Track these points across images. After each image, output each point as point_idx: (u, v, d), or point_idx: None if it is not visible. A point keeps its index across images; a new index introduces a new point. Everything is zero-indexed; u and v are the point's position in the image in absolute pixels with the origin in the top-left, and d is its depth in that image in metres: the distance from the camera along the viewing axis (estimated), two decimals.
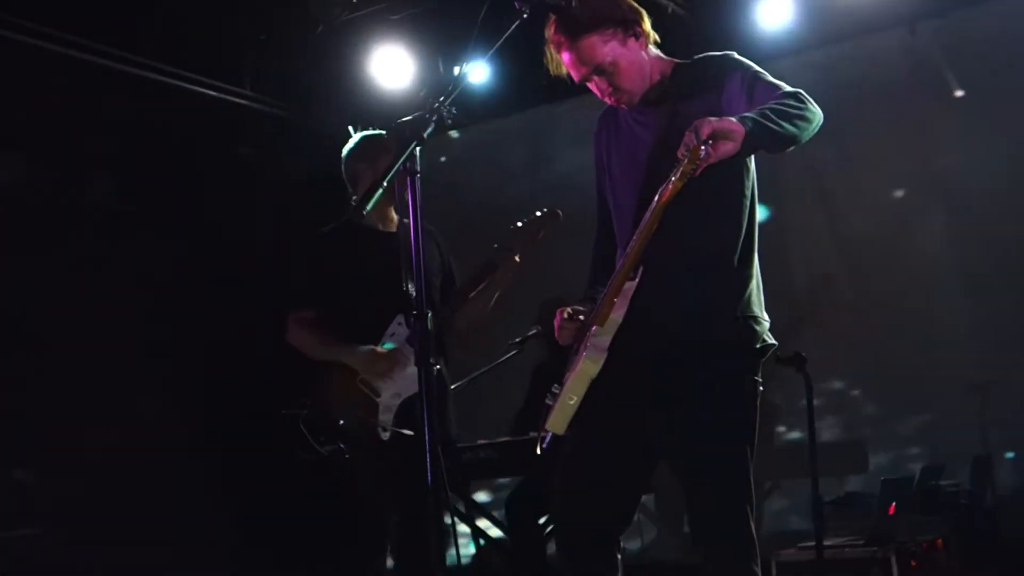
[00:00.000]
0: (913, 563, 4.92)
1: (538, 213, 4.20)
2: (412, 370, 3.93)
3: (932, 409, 6.44)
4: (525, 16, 2.96)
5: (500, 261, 4.06)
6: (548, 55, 3.12)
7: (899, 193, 6.82)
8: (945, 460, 5.78)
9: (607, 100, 3.16)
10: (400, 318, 4.08)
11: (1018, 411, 6.18)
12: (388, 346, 4.11)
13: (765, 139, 2.77)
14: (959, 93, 6.51)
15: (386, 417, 4.04)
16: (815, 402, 4.70)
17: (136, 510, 6.11)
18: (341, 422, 4.06)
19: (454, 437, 4.34)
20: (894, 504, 5.07)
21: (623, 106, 3.15)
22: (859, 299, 6.72)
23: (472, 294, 4.14)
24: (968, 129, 6.52)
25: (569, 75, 3.13)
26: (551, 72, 3.15)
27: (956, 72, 6.52)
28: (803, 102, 2.85)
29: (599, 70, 3.06)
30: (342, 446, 4.05)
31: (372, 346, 4.10)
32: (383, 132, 4.33)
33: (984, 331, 6.33)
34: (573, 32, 3.04)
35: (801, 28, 6.56)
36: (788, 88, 2.91)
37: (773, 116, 2.76)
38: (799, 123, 2.81)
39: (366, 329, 4.11)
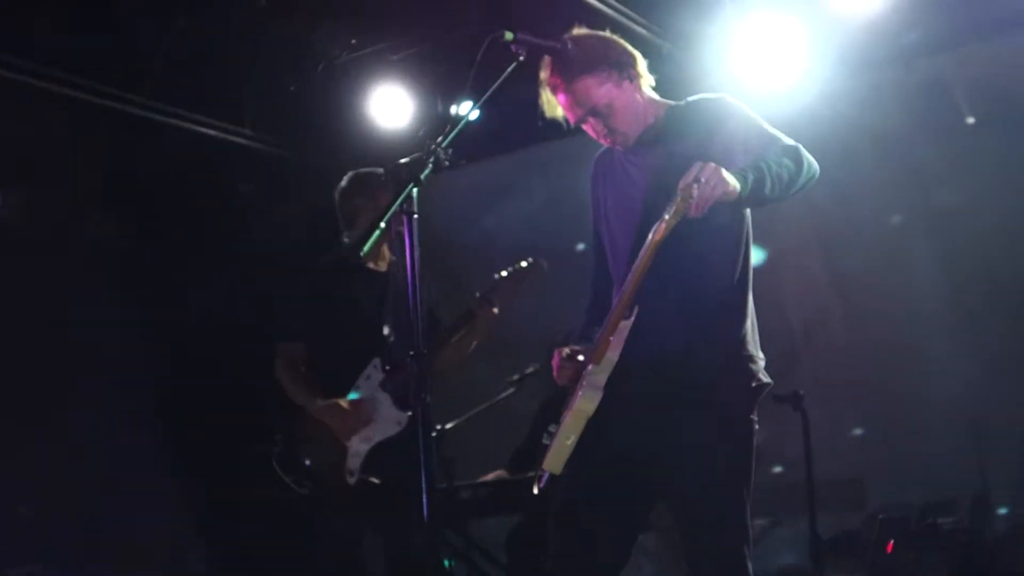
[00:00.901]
0: None
1: (522, 264, 4.21)
2: (383, 415, 3.99)
3: (930, 446, 6.42)
4: (521, 58, 3.00)
5: (479, 311, 4.06)
6: (543, 97, 3.15)
7: (894, 230, 6.83)
8: (943, 498, 5.77)
9: (603, 141, 3.18)
10: (376, 362, 4.10)
11: (1015, 447, 6.18)
12: (354, 396, 4.12)
13: (758, 199, 2.84)
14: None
15: (354, 462, 4.05)
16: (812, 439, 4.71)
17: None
18: (307, 463, 4.08)
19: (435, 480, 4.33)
20: (892, 542, 5.06)
21: (618, 147, 3.17)
22: (854, 336, 6.72)
23: (451, 340, 4.15)
24: (962, 166, 6.55)
25: (565, 117, 3.16)
26: (547, 114, 3.17)
27: (950, 110, 6.56)
28: (800, 160, 2.88)
29: (594, 112, 3.09)
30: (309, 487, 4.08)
31: (336, 401, 4.12)
32: (380, 169, 4.34)
33: (980, 367, 6.32)
34: (568, 74, 3.07)
35: (794, 66, 6.58)
36: (786, 141, 2.94)
37: (769, 175, 2.80)
38: (794, 181, 2.87)
39: (347, 371, 4.15)
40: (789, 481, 6.33)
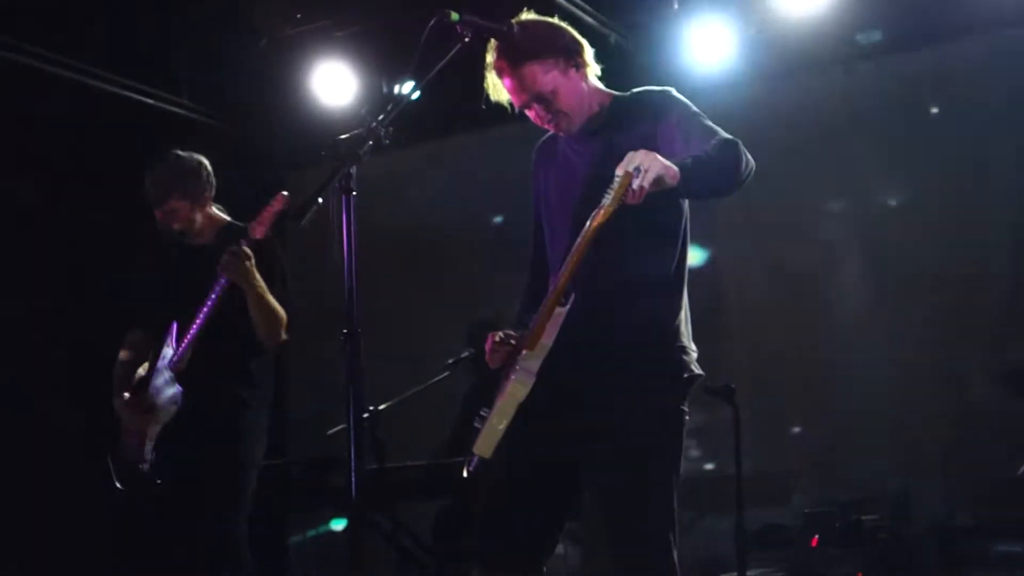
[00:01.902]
0: None
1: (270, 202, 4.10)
2: (163, 397, 3.96)
3: (855, 444, 6.52)
4: (467, 40, 2.98)
5: (226, 264, 3.91)
6: (489, 80, 3.14)
7: (830, 229, 6.91)
8: (867, 495, 5.86)
9: (546, 127, 3.18)
10: (169, 339, 4.06)
11: (937, 447, 6.29)
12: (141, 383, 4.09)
13: (696, 189, 2.87)
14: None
15: (148, 447, 4.02)
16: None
17: None
18: (108, 457, 4.09)
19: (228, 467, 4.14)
20: (816, 537, 5.13)
21: (561, 133, 3.18)
22: (787, 333, 6.80)
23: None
24: (899, 168, 6.65)
25: (509, 101, 3.15)
26: (491, 97, 3.17)
27: (889, 114, 6.65)
28: (739, 154, 2.90)
29: (539, 98, 3.08)
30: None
31: (122, 397, 4.12)
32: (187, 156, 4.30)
33: (907, 368, 6.43)
34: (515, 59, 3.06)
35: (739, 63, 6.67)
36: (725, 136, 2.95)
37: (707, 167, 2.82)
38: (732, 175, 2.89)
39: (157, 349, 4.12)
40: (717, 474, 6.41)
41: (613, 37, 6.50)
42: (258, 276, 3.97)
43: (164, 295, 4.17)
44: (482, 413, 2.99)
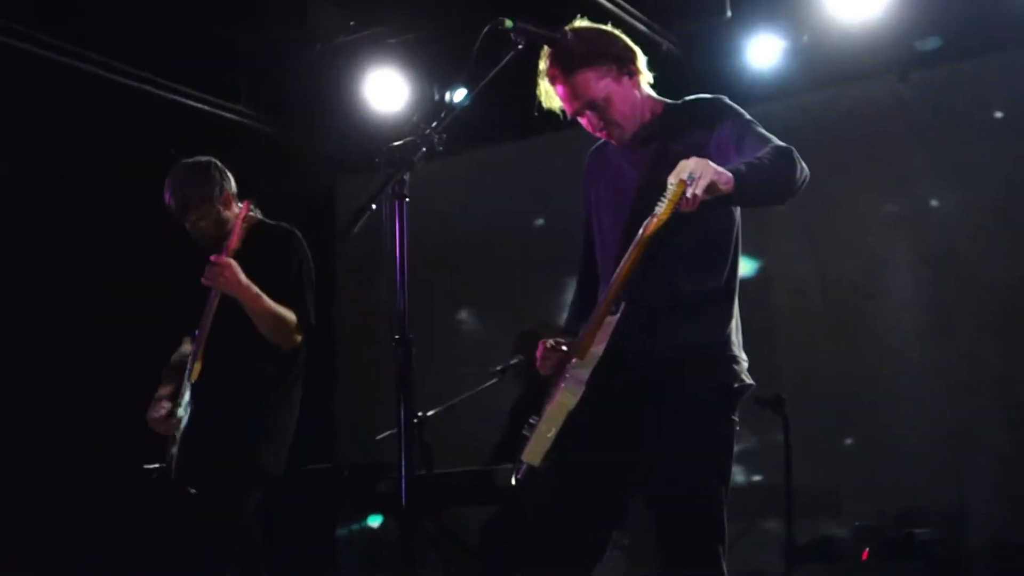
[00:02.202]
0: None
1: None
2: (180, 406, 3.93)
3: (907, 454, 6.45)
4: (520, 47, 2.98)
5: (207, 277, 3.84)
6: (541, 88, 3.14)
7: (881, 238, 6.85)
8: (921, 508, 5.79)
9: (598, 135, 3.18)
10: (188, 342, 4.03)
11: (992, 459, 6.21)
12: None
13: (750, 197, 2.85)
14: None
15: (172, 451, 3.98)
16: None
17: None
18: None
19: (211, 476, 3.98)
20: (867, 550, 5.07)
21: (614, 141, 3.17)
22: (838, 343, 6.74)
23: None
24: (953, 178, 6.58)
25: (561, 108, 3.15)
26: (543, 104, 3.16)
27: (943, 122, 6.57)
28: (793, 162, 2.87)
29: (592, 105, 3.08)
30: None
31: (154, 404, 4.08)
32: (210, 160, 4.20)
33: (959, 377, 6.36)
34: (568, 66, 3.06)
35: (792, 71, 6.63)
36: (779, 143, 2.93)
37: (761, 175, 2.79)
38: (787, 182, 2.86)
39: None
40: (767, 484, 6.35)
41: (665, 45, 6.48)
42: (242, 282, 3.83)
43: (193, 303, 4.08)
44: (531, 421, 2.98)
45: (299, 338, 4.06)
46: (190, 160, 4.17)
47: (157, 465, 3.99)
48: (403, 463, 2.67)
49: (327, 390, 8.32)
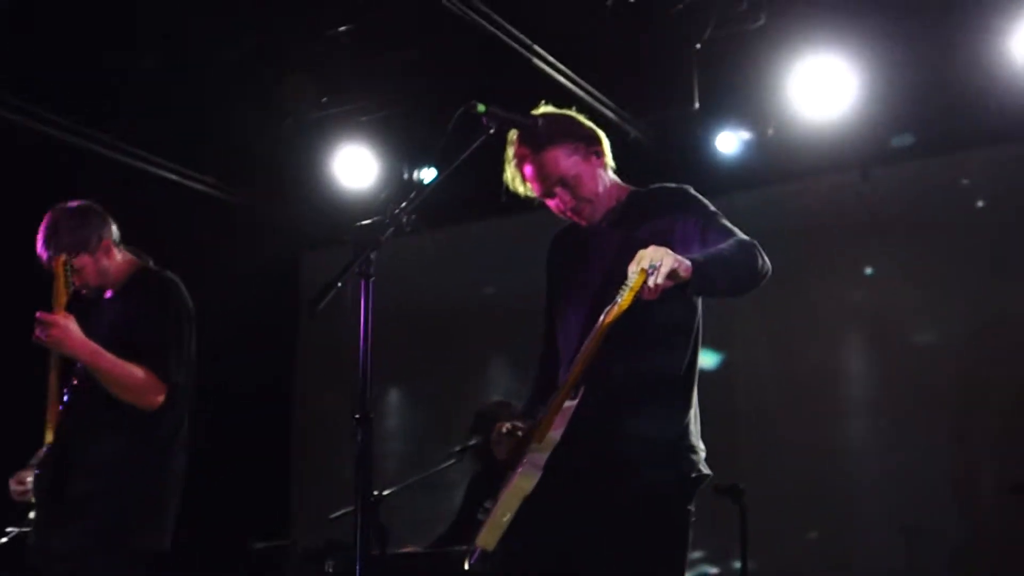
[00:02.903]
0: None
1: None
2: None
3: (865, 549, 6.45)
4: (491, 131, 3.01)
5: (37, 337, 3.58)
6: (508, 172, 3.16)
7: (843, 332, 6.90)
8: None
9: (568, 215, 3.19)
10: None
11: (945, 556, 6.21)
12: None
13: (709, 288, 2.85)
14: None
15: (30, 516, 3.75)
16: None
17: None
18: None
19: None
20: None
21: (583, 222, 3.18)
22: (800, 435, 6.76)
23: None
24: (916, 275, 6.65)
25: (529, 191, 3.17)
26: (510, 188, 3.18)
27: (905, 219, 6.67)
28: (754, 255, 2.89)
29: (562, 182, 3.10)
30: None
31: (14, 483, 3.84)
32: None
33: (917, 473, 6.39)
34: (537, 145, 3.09)
35: (756, 163, 6.73)
36: (742, 236, 2.95)
37: (722, 266, 2.81)
38: (747, 276, 2.88)
39: None
40: (722, 570, 6.32)
41: (633, 133, 6.56)
42: (76, 338, 3.53)
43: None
44: (486, 505, 2.95)
45: (160, 398, 3.64)
46: (68, 205, 3.83)
47: (15, 530, 3.82)
48: (359, 542, 2.64)
49: (283, 466, 8.24)
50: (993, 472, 6.21)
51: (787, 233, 6.89)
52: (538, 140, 3.09)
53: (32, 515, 3.71)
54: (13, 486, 3.78)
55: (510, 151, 3.14)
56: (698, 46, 5.91)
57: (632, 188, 3.23)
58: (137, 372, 3.60)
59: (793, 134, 6.53)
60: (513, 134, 3.13)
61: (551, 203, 3.17)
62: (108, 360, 3.56)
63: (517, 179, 3.15)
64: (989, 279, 6.40)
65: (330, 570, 5.31)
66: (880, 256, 6.75)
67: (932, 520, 6.24)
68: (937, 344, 6.52)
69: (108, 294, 3.83)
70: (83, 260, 3.75)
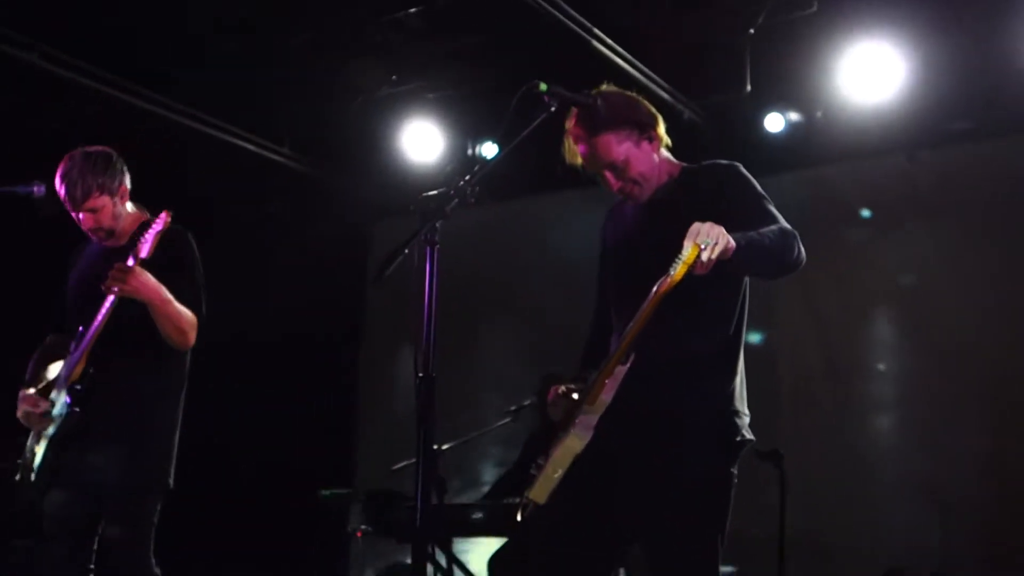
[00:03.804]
0: None
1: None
2: (57, 407, 3.66)
3: (897, 516, 6.41)
4: (553, 109, 3.01)
5: (111, 282, 3.56)
6: (566, 145, 3.16)
7: (883, 310, 6.83)
8: (906, 567, 5.72)
9: (618, 194, 3.19)
10: (73, 346, 3.72)
11: (976, 523, 6.16)
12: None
13: (747, 266, 2.89)
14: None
15: (35, 448, 3.73)
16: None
17: None
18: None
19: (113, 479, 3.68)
20: None
21: (633, 200, 3.18)
22: (837, 407, 6.72)
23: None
24: (956, 254, 6.56)
25: (582, 166, 3.17)
26: (567, 161, 3.18)
27: (949, 202, 6.58)
28: (792, 245, 2.90)
29: (611, 166, 3.10)
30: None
31: (23, 398, 3.78)
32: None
33: (949, 445, 6.32)
34: (592, 128, 3.08)
35: (804, 145, 6.67)
36: (785, 224, 2.95)
37: (762, 248, 2.82)
38: (783, 261, 2.89)
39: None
40: (761, 534, 6.30)
41: (687, 114, 6.52)
42: (153, 286, 3.59)
43: (77, 300, 3.84)
44: (539, 461, 2.97)
45: (194, 337, 3.76)
46: (90, 149, 3.77)
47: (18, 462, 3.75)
48: (419, 492, 2.66)
49: (350, 420, 8.34)
50: (1010, 444, 6.12)
51: (833, 214, 6.85)
52: (594, 123, 3.06)
53: (38, 448, 3.71)
54: (26, 407, 3.76)
55: (568, 125, 3.13)
56: (752, 32, 5.85)
57: (684, 165, 3.21)
58: (189, 314, 3.71)
59: (842, 117, 6.46)
60: (573, 110, 3.12)
61: (603, 179, 3.17)
62: (174, 305, 3.65)
63: (573, 152, 3.15)
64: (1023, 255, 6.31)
65: (395, 517, 5.38)
66: (924, 238, 6.66)
67: (964, 495, 6.19)
68: (975, 325, 6.41)
69: (114, 245, 3.81)
70: (103, 201, 3.73)
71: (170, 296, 3.65)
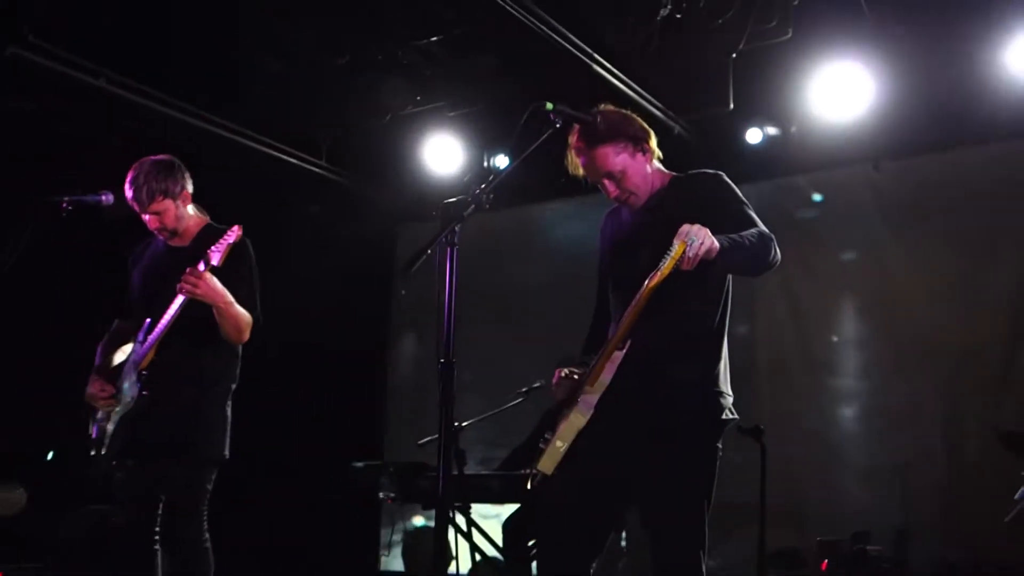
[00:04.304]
0: None
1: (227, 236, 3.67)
2: (125, 390, 3.68)
3: (864, 483, 6.40)
4: (558, 126, 3.02)
5: (184, 286, 3.56)
6: (569, 158, 3.16)
7: (852, 301, 6.82)
8: (873, 529, 5.72)
9: (615, 200, 3.19)
10: (141, 336, 3.73)
11: (934, 492, 6.15)
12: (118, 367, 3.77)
13: (730, 265, 2.89)
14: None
15: (107, 427, 3.73)
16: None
17: None
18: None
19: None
20: (826, 561, 5.02)
21: (629, 207, 3.18)
22: (810, 387, 6.71)
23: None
24: (916, 253, 6.55)
25: (584, 176, 3.17)
26: (570, 172, 3.18)
27: (909, 206, 6.57)
28: (770, 248, 2.91)
29: (609, 175, 3.10)
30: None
31: (93, 381, 3.78)
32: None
33: (910, 417, 6.33)
34: (591, 141, 3.07)
35: (781, 156, 6.67)
36: (763, 228, 2.95)
37: (743, 249, 2.83)
38: (760, 262, 2.90)
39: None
40: (744, 502, 6.31)
41: (677, 129, 6.51)
42: (220, 291, 3.59)
43: (143, 293, 3.84)
44: (546, 436, 2.97)
45: (248, 335, 3.76)
46: (155, 157, 3.78)
47: (91, 438, 3.75)
48: (441, 464, 2.67)
49: (380, 400, 8.36)
50: (978, 423, 6.11)
51: (807, 217, 6.84)
52: (594, 137, 3.06)
53: (108, 426, 3.72)
54: (94, 390, 3.77)
55: (571, 139, 3.13)
56: (734, 56, 5.84)
57: (673, 174, 3.21)
58: (247, 315, 3.71)
59: (814, 131, 6.45)
60: (575, 126, 3.12)
61: (603, 188, 3.16)
62: (235, 308, 3.65)
63: (575, 164, 3.15)
64: (980, 256, 6.29)
65: (421, 486, 5.38)
66: (887, 237, 6.65)
67: (921, 460, 6.19)
68: (932, 311, 6.41)
69: (178, 244, 3.83)
70: (166, 204, 3.72)
71: (232, 299, 3.65)
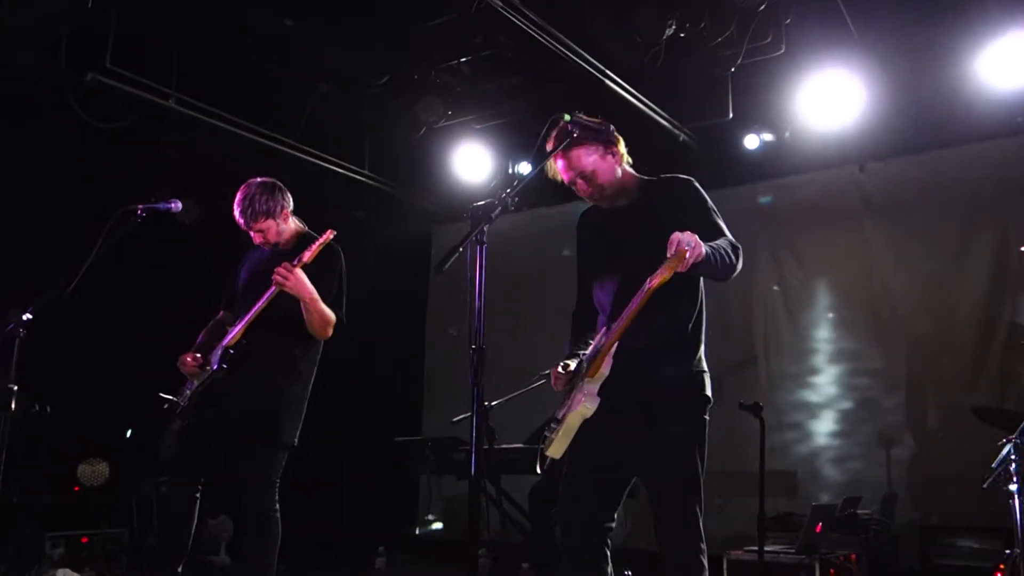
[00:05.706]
0: (832, 571, 4.81)
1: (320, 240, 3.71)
2: (211, 363, 3.69)
3: (854, 452, 6.35)
4: (575, 135, 3.01)
5: (276, 278, 3.60)
6: (547, 165, 3.11)
7: (840, 292, 6.74)
8: (862, 494, 5.66)
9: (589, 199, 3.17)
10: (237, 321, 3.76)
11: (916, 460, 6.08)
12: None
13: (703, 271, 2.91)
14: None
15: (187, 391, 3.76)
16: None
17: None
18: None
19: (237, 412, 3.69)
20: (820, 524, 4.97)
21: (602, 205, 3.16)
22: (805, 370, 6.65)
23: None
24: (897, 247, 6.47)
25: (560, 178, 3.13)
26: (549, 175, 3.15)
27: (892, 204, 6.49)
28: (738, 256, 2.95)
29: (582, 175, 3.08)
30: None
31: (188, 357, 3.80)
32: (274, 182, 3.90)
33: (893, 394, 6.27)
34: (566, 145, 3.05)
35: (776, 159, 6.61)
36: (730, 237, 2.98)
37: (720, 259, 2.86)
38: (729, 269, 2.92)
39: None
40: (745, 470, 6.27)
41: (682, 136, 6.46)
42: (307, 286, 3.61)
43: (245, 288, 3.87)
44: (552, 424, 2.98)
45: (331, 332, 3.79)
46: (260, 180, 3.86)
47: (171, 397, 3.78)
48: (474, 439, 2.67)
49: (419, 383, 8.36)
50: (952, 398, 6.04)
51: (800, 214, 6.77)
52: (568, 141, 3.03)
53: (188, 391, 3.74)
54: (188, 357, 3.78)
55: (548, 145, 3.09)
56: (732, 70, 5.79)
57: (643, 178, 3.18)
58: (331, 314, 3.73)
59: (805, 136, 6.40)
60: (550, 132, 3.07)
61: (577, 187, 3.13)
62: (320, 304, 3.67)
63: (553, 169, 3.13)
64: (957, 248, 6.21)
65: (455, 459, 5.37)
66: (871, 233, 6.57)
67: (901, 434, 6.16)
68: (912, 299, 6.34)
69: (281, 248, 3.86)
70: (268, 224, 3.81)
71: (317, 296, 3.67)
